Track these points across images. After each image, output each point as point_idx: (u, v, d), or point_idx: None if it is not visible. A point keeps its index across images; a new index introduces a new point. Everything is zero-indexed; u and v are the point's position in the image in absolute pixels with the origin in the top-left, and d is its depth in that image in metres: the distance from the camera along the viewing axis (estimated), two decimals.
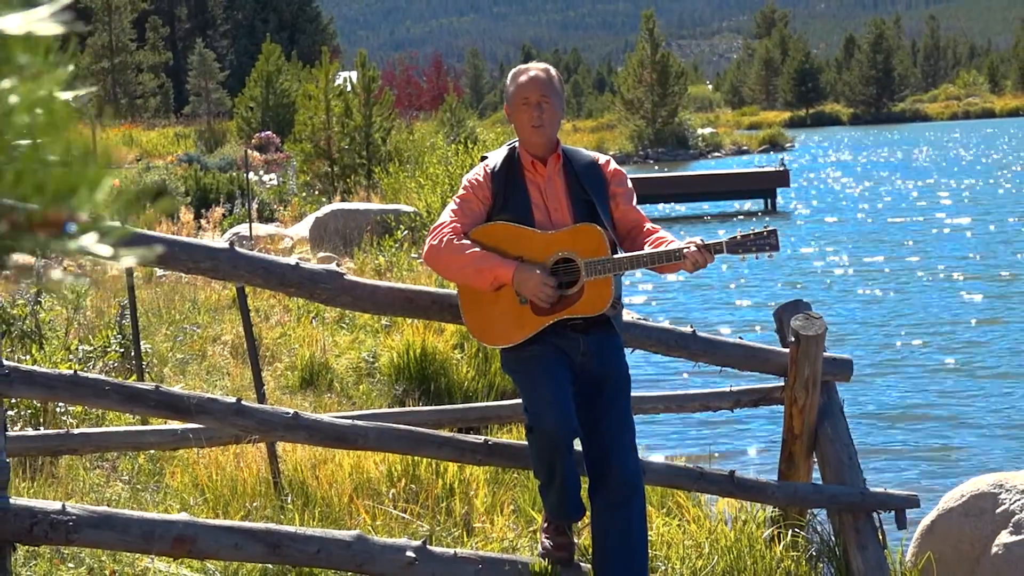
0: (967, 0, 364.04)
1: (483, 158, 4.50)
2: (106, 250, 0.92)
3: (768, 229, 4.38)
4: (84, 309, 9.81)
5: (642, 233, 4.36)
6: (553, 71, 4.44)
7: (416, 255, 12.84)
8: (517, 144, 4.44)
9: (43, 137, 0.90)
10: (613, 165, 4.48)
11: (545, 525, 4.49)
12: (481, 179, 4.37)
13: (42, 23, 0.89)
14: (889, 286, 16.48)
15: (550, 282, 4.18)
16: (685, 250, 4.15)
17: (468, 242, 4.26)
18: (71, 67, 0.92)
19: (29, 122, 0.90)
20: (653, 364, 10.90)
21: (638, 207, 4.45)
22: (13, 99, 0.90)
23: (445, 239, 4.26)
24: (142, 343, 7.20)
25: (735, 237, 4.33)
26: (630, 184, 4.49)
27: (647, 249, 4.25)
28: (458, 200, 4.38)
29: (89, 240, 0.92)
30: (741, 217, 27.01)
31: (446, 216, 4.35)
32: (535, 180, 4.36)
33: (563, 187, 4.35)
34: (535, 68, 4.42)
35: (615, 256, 4.22)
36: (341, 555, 4.21)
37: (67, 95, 0.92)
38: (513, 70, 4.48)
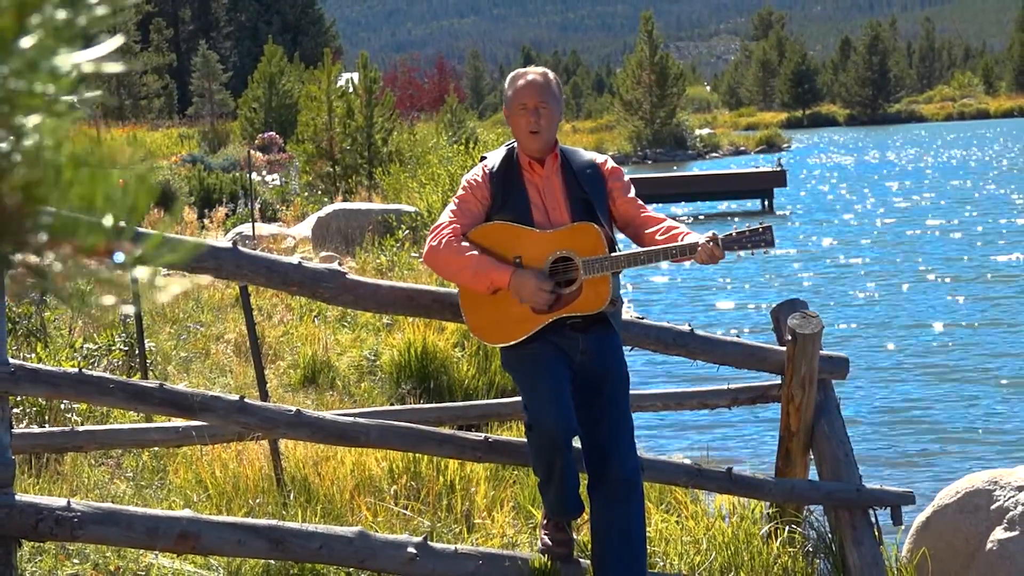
0: (962, 2, 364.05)
1: (482, 158, 4.50)
2: (153, 279, 0.93)
3: (763, 225, 4.38)
4: (86, 296, 9.80)
5: (645, 223, 4.35)
6: (551, 75, 4.43)
7: (417, 254, 12.84)
8: (516, 144, 4.44)
9: (71, 169, 0.91)
10: (610, 164, 4.48)
11: (544, 522, 4.49)
12: (480, 179, 4.37)
13: (105, 62, 0.90)
14: (884, 286, 16.48)
15: (546, 287, 4.18)
16: (699, 245, 4.15)
17: (467, 244, 4.26)
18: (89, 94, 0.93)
19: (70, 158, 0.91)
20: (650, 362, 10.90)
21: (637, 199, 4.44)
22: (53, 134, 0.90)
23: (444, 240, 4.26)
24: (146, 341, 7.19)
25: (731, 234, 4.34)
26: (627, 178, 4.48)
27: (658, 246, 4.24)
28: (457, 201, 4.38)
29: (137, 269, 0.93)
30: (737, 218, 27.01)
31: (445, 217, 4.35)
32: (533, 180, 4.37)
33: (561, 187, 4.35)
34: (533, 72, 4.41)
35: (613, 254, 4.22)
36: (343, 551, 4.21)
37: (73, 98, 0.92)
38: (511, 74, 4.48)
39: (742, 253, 4.38)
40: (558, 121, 4.39)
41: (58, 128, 0.90)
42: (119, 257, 0.94)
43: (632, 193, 4.43)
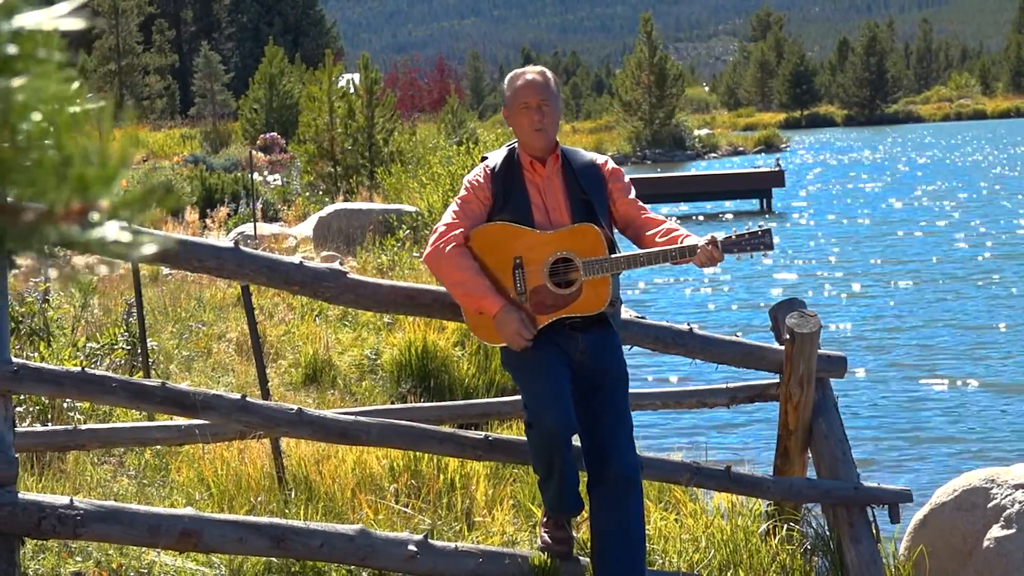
0: (959, 3, 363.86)
1: (483, 158, 4.50)
2: (128, 238, 0.93)
3: (762, 228, 4.38)
4: (91, 307, 9.81)
5: (645, 224, 4.35)
6: (549, 73, 4.43)
7: (418, 254, 12.83)
8: (517, 145, 4.44)
9: (52, 133, 0.91)
10: (611, 164, 4.48)
11: (544, 519, 4.49)
12: (481, 180, 4.37)
13: (65, 19, 0.90)
14: (882, 285, 16.48)
15: (526, 335, 4.19)
16: (698, 247, 4.15)
17: (469, 261, 4.25)
18: (77, 67, 0.93)
19: (40, 120, 0.90)
20: (649, 361, 10.89)
21: (637, 201, 4.44)
22: (21, 96, 0.90)
23: (449, 248, 4.26)
24: (148, 340, 7.19)
25: (730, 236, 4.34)
26: (627, 179, 4.48)
27: (658, 248, 4.25)
28: (459, 201, 4.38)
29: (111, 229, 0.92)
30: (734, 217, 27.00)
31: (448, 217, 4.35)
32: (534, 180, 4.37)
33: (562, 187, 4.35)
34: (532, 72, 4.41)
35: (612, 256, 4.23)
36: (344, 548, 4.21)
37: (80, 100, 0.92)
38: (510, 75, 4.48)
39: (741, 255, 4.38)
40: (558, 118, 4.39)
41: (37, 90, 0.90)
42: (94, 216, 0.93)
43: (632, 195, 4.43)
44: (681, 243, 4.21)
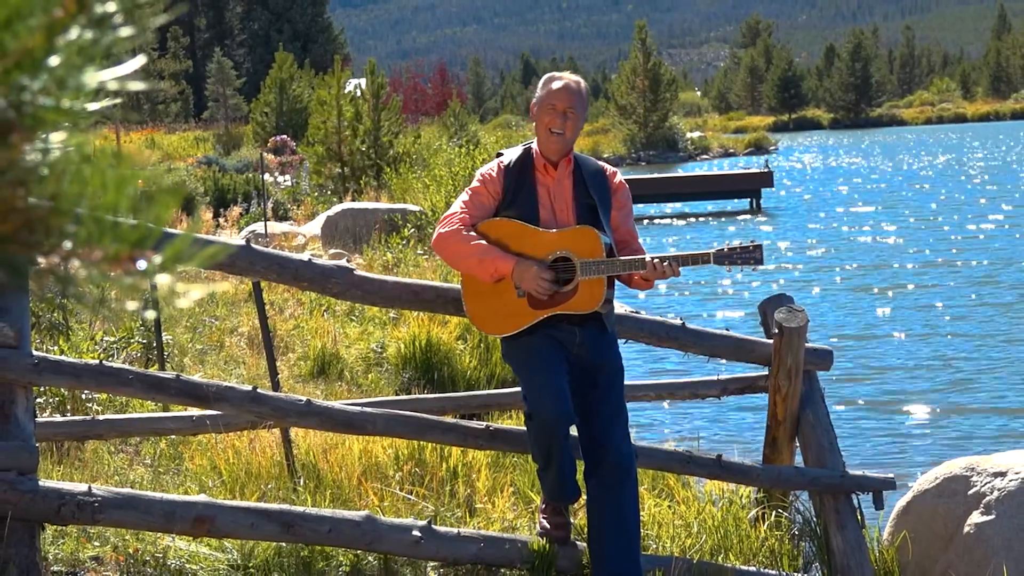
0: (941, 11, 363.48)
1: (498, 154, 4.48)
2: (175, 287, 0.93)
3: (754, 244, 4.39)
4: (108, 302, 9.80)
5: (630, 253, 4.38)
6: (584, 85, 4.40)
7: (422, 251, 12.83)
8: (533, 145, 4.42)
9: (97, 181, 0.91)
10: (619, 178, 4.49)
11: (543, 506, 4.49)
12: (494, 174, 4.36)
13: (129, 80, 0.90)
14: (868, 281, 16.48)
15: (546, 275, 4.19)
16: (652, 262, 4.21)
17: (475, 235, 4.26)
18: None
19: (83, 171, 0.90)
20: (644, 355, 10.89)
21: (634, 226, 4.46)
22: (62, 151, 0.90)
23: (454, 228, 4.27)
24: (164, 334, 7.19)
25: (722, 249, 4.35)
26: (631, 202, 4.50)
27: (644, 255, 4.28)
28: (470, 192, 4.37)
29: (160, 277, 0.93)
30: (724, 219, 26.99)
31: (457, 206, 4.35)
32: (545, 181, 4.36)
33: (570, 190, 4.35)
34: (568, 78, 4.38)
35: (610, 258, 4.23)
36: (351, 534, 4.21)
37: (92, 106, 0.92)
38: (547, 75, 4.45)
39: (732, 267, 4.40)
40: (580, 129, 4.38)
41: (83, 143, 0.90)
42: (142, 264, 0.93)
43: (631, 221, 4.45)
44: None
